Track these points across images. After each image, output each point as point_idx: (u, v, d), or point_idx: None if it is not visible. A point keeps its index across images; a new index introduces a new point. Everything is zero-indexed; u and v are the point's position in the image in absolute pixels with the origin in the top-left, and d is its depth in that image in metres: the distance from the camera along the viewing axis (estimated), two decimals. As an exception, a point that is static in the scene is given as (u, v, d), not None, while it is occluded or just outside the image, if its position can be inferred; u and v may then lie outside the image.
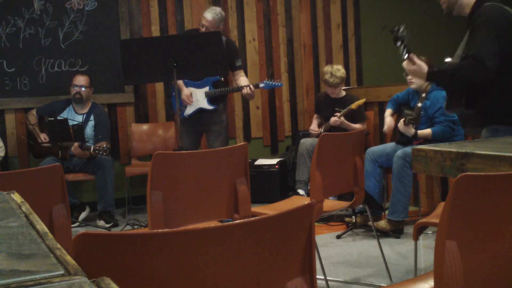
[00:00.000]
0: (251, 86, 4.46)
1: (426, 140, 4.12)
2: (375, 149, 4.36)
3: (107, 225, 4.71)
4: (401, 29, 2.72)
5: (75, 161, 4.82)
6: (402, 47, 2.72)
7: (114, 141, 5.43)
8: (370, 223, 3.84)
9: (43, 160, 4.71)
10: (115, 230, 4.55)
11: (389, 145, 4.36)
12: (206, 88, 4.58)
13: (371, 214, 3.65)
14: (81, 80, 4.95)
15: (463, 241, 1.40)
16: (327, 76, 4.95)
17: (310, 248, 1.24)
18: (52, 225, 2.12)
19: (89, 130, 4.90)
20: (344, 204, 3.25)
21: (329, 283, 3.05)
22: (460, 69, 2.57)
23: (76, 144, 4.53)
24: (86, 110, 4.99)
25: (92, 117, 4.96)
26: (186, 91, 4.54)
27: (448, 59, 2.77)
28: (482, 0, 2.66)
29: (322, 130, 5.02)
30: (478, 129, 2.78)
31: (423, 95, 4.23)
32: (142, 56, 3.74)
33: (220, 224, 1.25)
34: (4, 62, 5.05)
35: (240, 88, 4.51)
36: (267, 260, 1.20)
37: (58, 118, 4.59)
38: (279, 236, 1.21)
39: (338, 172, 3.04)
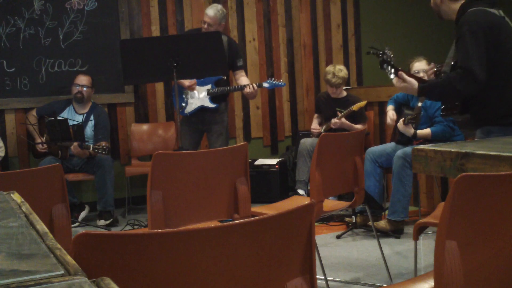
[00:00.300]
0: (254, 85, 4.46)
1: (426, 140, 4.12)
2: (375, 149, 4.36)
3: (107, 222, 4.70)
4: (386, 52, 2.75)
5: (75, 161, 4.82)
6: (389, 68, 2.75)
7: (114, 141, 5.43)
8: (370, 223, 3.84)
9: (43, 160, 4.71)
10: (115, 230, 4.55)
11: (389, 145, 4.36)
12: (208, 87, 4.58)
13: (371, 214, 3.65)
14: (83, 79, 4.96)
15: (463, 241, 1.40)
16: (329, 76, 4.94)
17: (310, 248, 1.24)
18: (52, 225, 2.12)
19: (89, 130, 4.91)
20: (344, 204, 3.25)
21: (329, 283, 3.05)
22: (451, 82, 2.58)
23: (75, 143, 4.54)
24: (86, 110, 4.99)
25: (92, 117, 4.97)
26: (186, 81, 4.54)
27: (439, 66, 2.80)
28: (467, 5, 2.66)
29: (323, 130, 5.02)
30: (472, 130, 2.81)
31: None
32: (142, 56, 3.74)
33: (220, 224, 1.25)
34: (4, 62, 5.05)
35: (242, 87, 4.49)
36: (267, 260, 1.20)
37: (58, 118, 4.59)
38: (279, 236, 1.21)
39: (338, 172, 3.04)
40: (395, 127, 4.35)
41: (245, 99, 5.96)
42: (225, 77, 4.68)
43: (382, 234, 4.03)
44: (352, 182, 3.12)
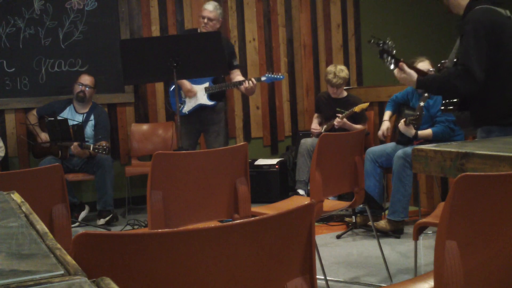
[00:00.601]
0: (253, 79, 4.44)
1: (426, 140, 4.12)
2: (375, 149, 4.36)
3: (106, 219, 4.70)
4: (388, 42, 2.76)
5: (75, 161, 4.82)
6: (389, 58, 2.76)
7: (114, 141, 5.43)
8: (370, 223, 3.84)
9: (43, 160, 4.71)
10: (115, 230, 4.55)
11: (389, 145, 4.36)
12: (206, 84, 4.57)
13: (371, 214, 3.65)
14: (87, 79, 4.97)
15: (463, 241, 1.40)
16: (330, 76, 4.93)
17: (310, 248, 1.24)
18: (52, 225, 2.12)
19: (89, 130, 4.91)
20: (344, 204, 3.25)
21: (329, 283, 3.05)
22: (449, 78, 2.60)
23: (75, 143, 4.54)
24: (86, 109, 5.00)
25: (92, 117, 4.97)
26: (187, 84, 4.53)
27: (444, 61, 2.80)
28: (474, 2, 2.67)
29: (323, 130, 5.02)
30: (473, 129, 2.81)
31: (426, 94, 4.22)
32: (142, 56, 3.74)
33: (220, 224, 1.25)
34: (4, 62, 5.05)
35: (241, 83, 4.47)
36: (267, 260, 1.20)
37: (58, 118, 4.60)
38: (279, 236, 1.21)
39: (338, 172, 3.04)
40: (396, 127, 4.35)
41: (245, 99, 5.96)
42: (222, 75, 4.68)
43: (382, 234, 4.03)
44: (352, 182, 3.12)
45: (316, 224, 4.06)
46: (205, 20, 4.47)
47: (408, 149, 3.98)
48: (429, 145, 2.16)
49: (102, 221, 4.73)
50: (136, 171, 5.21)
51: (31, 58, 5.13)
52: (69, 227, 2.20)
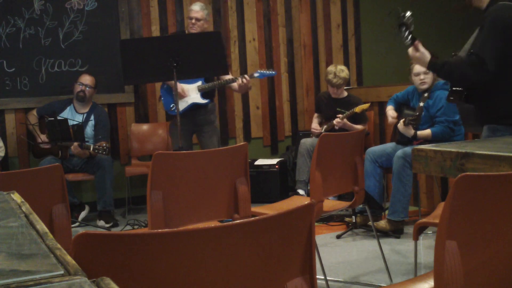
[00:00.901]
0: (246, 76, 4.43)
1: (426, 140, 4.12)
2: (375, 149, 4.36)
3: (107, 225, 4.71)
4: (408, 15, 2.74)
5: (75, 161, 4.82)
6: (406, 33, 2.75)
7: (114, 141, 5.43)
8: (370, 223, 3.84)
9: (43, 160, 4.71)
10: (115, 230, 4.55)
11: (389, 145, 4.36)
12: (199, 83, 4.57)
13: (371, 214, 3.65)
14: (87, 79, 4.98)
15: (463, 241, 1.40)
16: (330, 76, 4.93)
17: (310, 248, 1.24)
18: (52, 225, 2.12)
19: (89, 129, 4.91)
20: (344, 204, 3.25)
21: (329, 283, 3.05)
22: (461, 65, 2.61)
23: (75, 143, 4.54)
24: (86, 109, 5.00)
25: (92, 117, 4.97)
26: (178, 88, 4.51)
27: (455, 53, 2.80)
28: None
29: (323, 130, 5.02)
30: (478, 127, 2.81)
31: (425, 94, 4.22)
32: (142, 56, 3.74)
33: (220, 224, 1.25)
34: (4, 62, 5.05)
35: (234, 80, 4.45)
36: (267, 260, 1.20)
37: (58, 118, 4.60)
38: (279, 236, 1.21)
39: (338, 172, 3.04)
40: (395, 127, 4.35)
41: (245, 99, 5.96)
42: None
43: (382, 234, 4.03)
44: (352, 182, 3.11)
45: (316, 224, 4.06)
46: (193, 21, 4.49)
47: (408, 149, 3.98)
48: (429, 145, 2.16)
49: (102, 223, 4.72)
50: (136, 171, 5.21)
51: (31, 58, 5.13)
52: (69, 227, 2.20)
